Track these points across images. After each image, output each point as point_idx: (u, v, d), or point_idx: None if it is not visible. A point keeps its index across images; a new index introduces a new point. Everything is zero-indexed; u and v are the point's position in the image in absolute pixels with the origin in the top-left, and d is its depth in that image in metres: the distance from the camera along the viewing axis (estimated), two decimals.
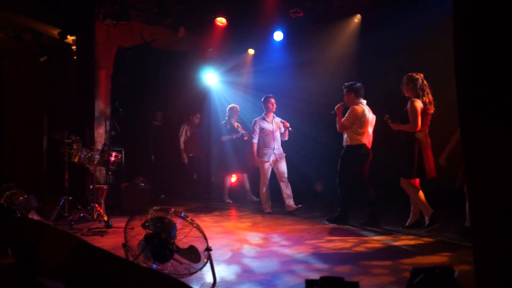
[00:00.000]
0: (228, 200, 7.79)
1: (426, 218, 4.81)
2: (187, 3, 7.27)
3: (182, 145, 8.19)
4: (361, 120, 5.34)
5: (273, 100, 6.48)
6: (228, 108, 7.85)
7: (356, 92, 5.44)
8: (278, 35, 7.97)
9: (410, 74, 4.93)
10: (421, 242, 4.33)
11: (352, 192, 5.53)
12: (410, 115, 4.79)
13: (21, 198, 4.96)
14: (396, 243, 4.28)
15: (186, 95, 8.81)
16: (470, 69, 2.07)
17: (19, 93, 8.33)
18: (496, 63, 1.97)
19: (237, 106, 7.89)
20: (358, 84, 5.47)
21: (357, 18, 7.50)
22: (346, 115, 5.45)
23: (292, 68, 7.99)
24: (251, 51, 8.88)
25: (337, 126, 5.52)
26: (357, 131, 5.36)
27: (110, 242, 4.44)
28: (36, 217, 5.03)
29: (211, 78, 8.79)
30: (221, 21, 7.68)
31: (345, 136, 5.48)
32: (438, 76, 5.40)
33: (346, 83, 5.55)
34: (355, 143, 5.36)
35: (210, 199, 8.26)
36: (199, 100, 8.99)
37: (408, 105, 4.83)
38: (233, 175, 8.55)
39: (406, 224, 5.06)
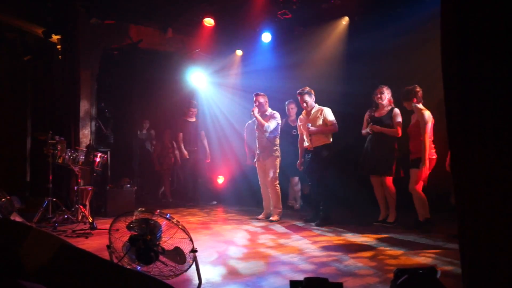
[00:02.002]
0: (293, 203, 7.29)
1: (382, 215, 5.44)
2: (175, 3, 7.24)
3: (246, 146, 7.01)
4: None
5: (255, 97, 6.11)
6: (286, 103, 6.99)
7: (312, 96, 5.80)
8: (266, 37, 7.99)
9: (382, 86, 5.42)
10: (406, 243, 4.37)
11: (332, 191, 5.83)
12: (397, 122, 5.27)
13: (3, 199, 4.89)
14: (381, 244, 4.32)
15: (174, 96, 8.74)
16: (456, 68, 2.10)
17: (1, 93, 8.19)
18: (482, 63, 2.00)
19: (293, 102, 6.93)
20: (308, 89, 5.77)
21: (345, 21, 7.54)
22: (328, 117, 5.60)
23: (280, 69, 7.99)
24: (239, 52, 8.87)
25: (332, 131, 5.60)
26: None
27: (95, 243, 4.39)
28: (18, 218, 4.96)
29: (198, 79, 8.75)
30: (209, 22, 7.66)
31: (313, 137, 5.65)
32: (425, 79, 5.47)
33: (299, 90, 5.78)
34: (328, 142, 5.63)
35: (197, 201, 8.21)
36: (187, 101, 8.95)
37: (396, 114, 5.32)
38: (220, 176, 8.51)
39: (390, 221, 5.33)
